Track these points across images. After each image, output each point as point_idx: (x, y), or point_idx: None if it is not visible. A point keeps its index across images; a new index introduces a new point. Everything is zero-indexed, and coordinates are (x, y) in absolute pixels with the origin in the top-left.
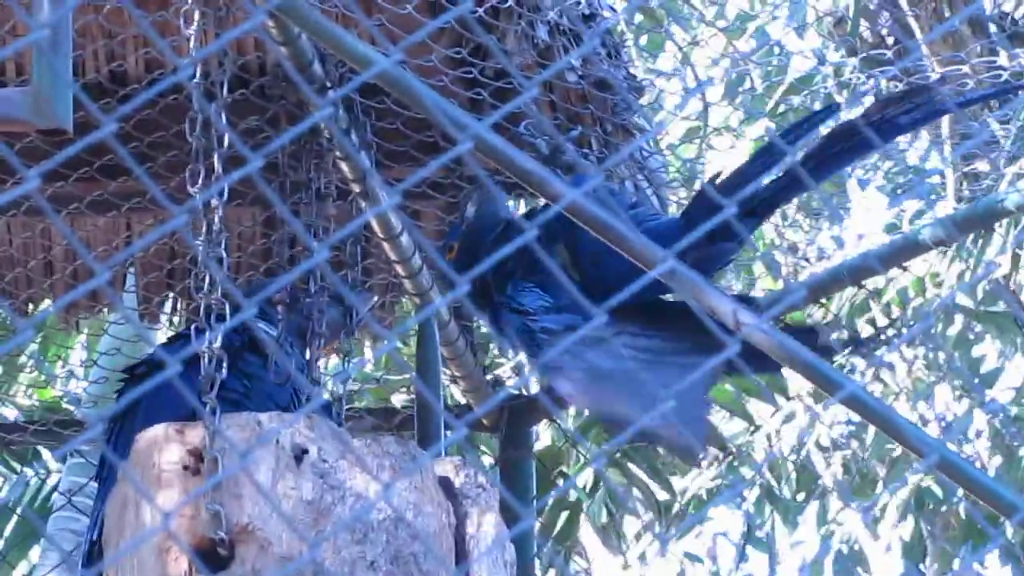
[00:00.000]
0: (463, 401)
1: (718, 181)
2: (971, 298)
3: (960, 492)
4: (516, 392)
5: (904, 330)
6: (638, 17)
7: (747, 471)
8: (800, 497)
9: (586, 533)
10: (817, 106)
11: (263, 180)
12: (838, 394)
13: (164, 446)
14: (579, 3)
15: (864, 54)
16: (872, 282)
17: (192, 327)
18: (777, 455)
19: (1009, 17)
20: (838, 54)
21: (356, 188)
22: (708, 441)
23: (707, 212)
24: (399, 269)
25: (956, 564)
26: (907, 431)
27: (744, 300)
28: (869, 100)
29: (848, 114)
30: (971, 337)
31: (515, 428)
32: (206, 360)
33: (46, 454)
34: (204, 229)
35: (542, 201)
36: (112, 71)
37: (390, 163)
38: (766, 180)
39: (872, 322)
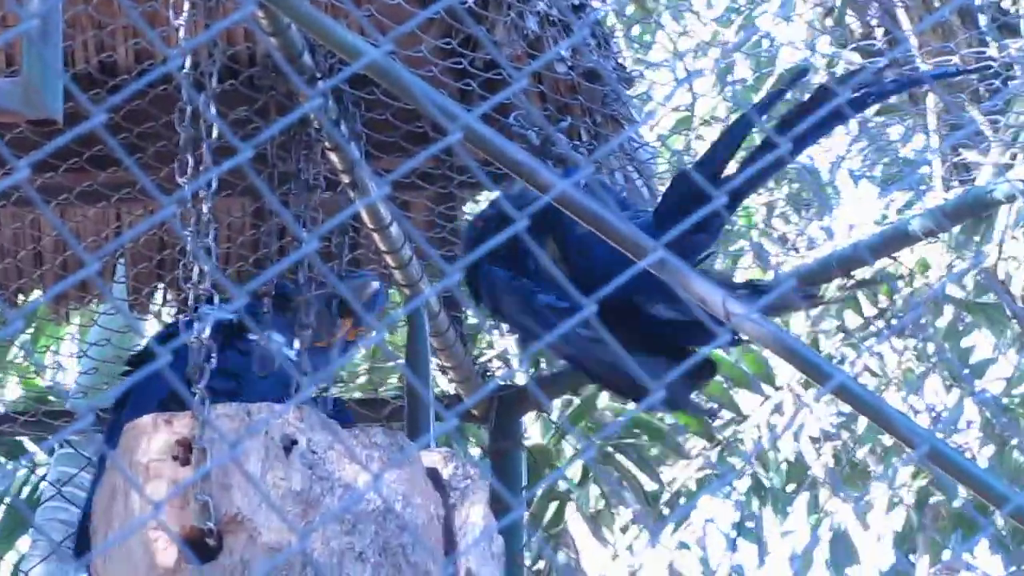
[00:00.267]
0: (452, 391)
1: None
2: (961, 288)
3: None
4: (506, 382)
5: (894, 321)
6: (629, 8)
7: (737, 461)
8: (790, 488)
9: (575, 523)
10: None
11: (252, 170)
12: (828, 384)
13: (153, 436)
14: None
15: (853, 45)
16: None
17: (180, 318)
18: (764, 446)
19: (996, 5)
20: (830, 47)
21: (345, 179)
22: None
23: (678, 203)
24: (389, 260)
25: (946, 554)
26: (897, 421)
27: (751, 287)
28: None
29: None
30: (960, 328)
31: (505, 419)
32: (194, 350)
33: (32, 446)
34: (193, 220)
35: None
36: (102, 61)
37: (379, 153)
38: (734, 166)
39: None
